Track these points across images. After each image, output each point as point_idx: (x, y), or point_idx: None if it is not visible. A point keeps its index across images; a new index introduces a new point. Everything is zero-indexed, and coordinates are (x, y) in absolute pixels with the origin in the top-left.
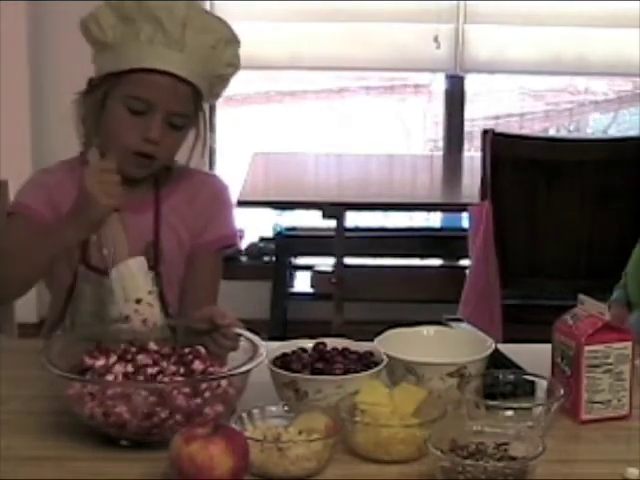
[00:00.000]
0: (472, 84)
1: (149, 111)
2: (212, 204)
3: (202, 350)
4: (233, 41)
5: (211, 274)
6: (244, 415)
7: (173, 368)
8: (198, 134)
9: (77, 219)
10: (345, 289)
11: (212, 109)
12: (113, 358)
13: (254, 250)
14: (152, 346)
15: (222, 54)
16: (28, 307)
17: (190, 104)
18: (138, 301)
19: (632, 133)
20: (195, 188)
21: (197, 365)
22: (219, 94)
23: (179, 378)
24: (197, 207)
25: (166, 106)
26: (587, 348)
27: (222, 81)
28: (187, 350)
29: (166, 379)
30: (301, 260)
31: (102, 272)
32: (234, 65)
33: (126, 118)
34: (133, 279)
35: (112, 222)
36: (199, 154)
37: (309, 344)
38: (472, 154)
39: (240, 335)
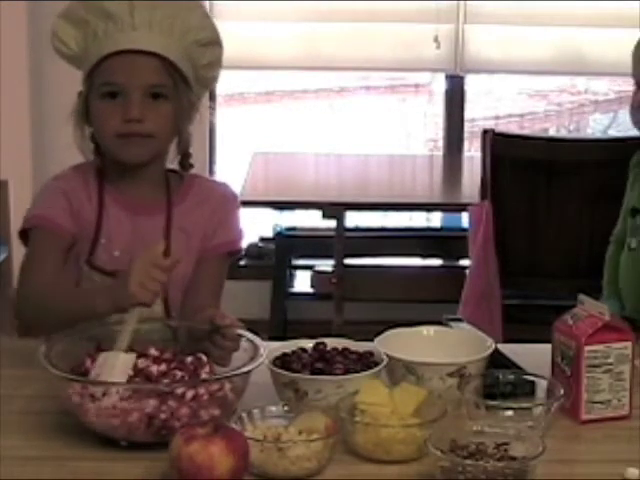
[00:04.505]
0: (472, 84)
1: (124, 93)
2: (222, 209)
3: (204, 358)
4: (195, 6)
5: (215, 277)
6: (244, 415)
7: (175, 372)
8: (182, 106)
9: (109, 292)
10: (345, 289)
11: (212, 109)
12: None
13: (254, 250)
14: (153, 352)
15: (188, 21)
16: None
17: (165, 75)
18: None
19: (632, 133)
20: (206, 194)
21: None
22: (212, 64)
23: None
24: (208, 211)
25: (138, 82)
26: (587, 348)
27: (202, 47)
28: (189, 359)
29: (166, 381)
30: (301, 260)
31: (106, 273)
32: (207, 27)
33: (104, 106)
34: (113, 370)
35: (131, 312)
36: (200, 157)
37: (309, 344)
38: (472, 154)
39: (240, 336)
